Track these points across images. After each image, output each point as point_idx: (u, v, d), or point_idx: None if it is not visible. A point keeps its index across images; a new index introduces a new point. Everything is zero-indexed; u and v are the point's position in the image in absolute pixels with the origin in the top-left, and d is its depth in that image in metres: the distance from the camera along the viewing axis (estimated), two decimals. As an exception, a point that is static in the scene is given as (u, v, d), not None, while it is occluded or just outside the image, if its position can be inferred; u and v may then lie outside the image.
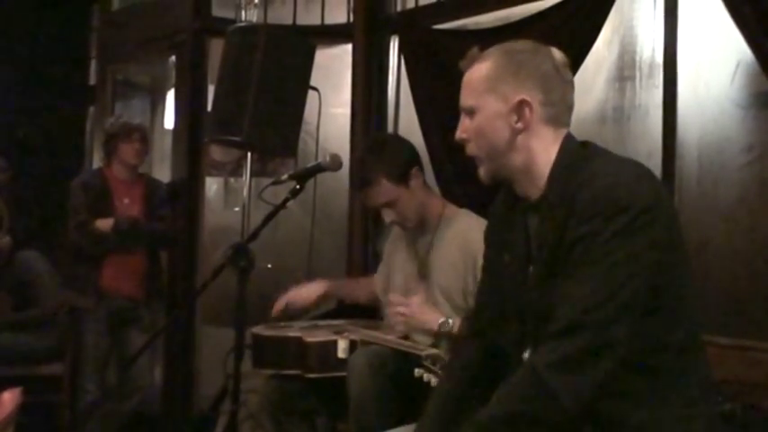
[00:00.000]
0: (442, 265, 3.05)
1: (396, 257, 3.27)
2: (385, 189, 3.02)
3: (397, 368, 2.77)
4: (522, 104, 1.88)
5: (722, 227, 3.31)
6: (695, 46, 3.34)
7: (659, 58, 3.42)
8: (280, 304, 3.33)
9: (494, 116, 1.90)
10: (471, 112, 1.94)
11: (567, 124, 1.95)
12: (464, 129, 1.97)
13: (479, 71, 1.93)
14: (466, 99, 1.96)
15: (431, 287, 3.08)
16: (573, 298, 1.74)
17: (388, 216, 3.10)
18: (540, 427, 1.76)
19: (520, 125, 1.89)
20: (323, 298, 3.42)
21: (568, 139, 1.92)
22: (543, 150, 1.90)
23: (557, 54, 1.94)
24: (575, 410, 1.73)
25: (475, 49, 1.97)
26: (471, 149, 1.97)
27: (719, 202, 3.32)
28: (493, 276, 2.11)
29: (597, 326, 1.71)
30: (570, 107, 1.95)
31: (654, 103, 3.47)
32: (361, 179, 3.08)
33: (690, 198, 3.37)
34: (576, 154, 1.89)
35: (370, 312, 3.52)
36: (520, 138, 1.90)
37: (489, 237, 2.15)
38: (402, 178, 3.03)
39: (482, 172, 1.97)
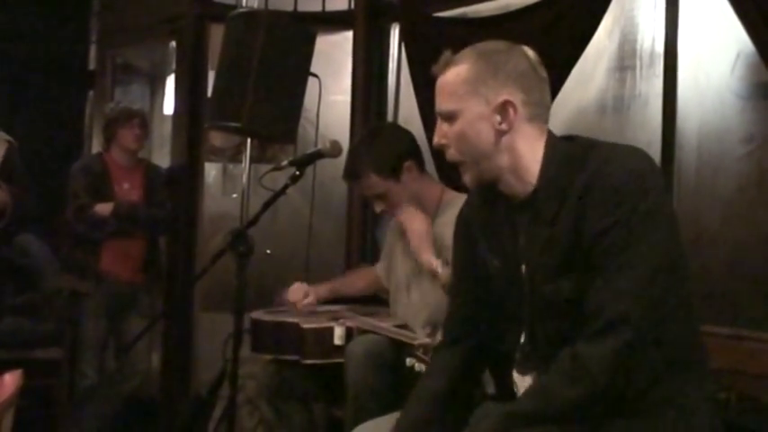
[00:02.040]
0: (442, 252, 3.05)
1: (397, 244, 3.28)
2: (373, 182, 3.03)
3: (394, 357, 2.78)
4: (505, 105, 1.87)
5: (720, 217, 3.32)
6: (696, 36, 3.34)
7: (660, 48, 3.43)
8: (281, 300, 3.34)
9: (476, 119, 1.88)
10: (451, 117, 1.92)
11: (547, 121, 1.94)
12: (442, 134, 1.94)
13: (457, 74, 1.90)
14: (444, 104, 1.93)
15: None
16: (611, 292, 1.74)
17: (377, 206, 3.12)
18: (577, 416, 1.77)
19: (504, 126, 1.88)
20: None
21: (552, 135, 1.93)
22: (529, 148, 1.89)
23: (530, 53, 1.92)
24: (613, 399, 1.75)
25: (447, 53, 1.95)
26: (452, 155, 1.95)
27: (718, 192, 3.33)
28: (466, 276, 2.11)
29: (639, 319, 1.72)
30: (548, 105, 1.95)
31: (654, 92, 3.48)
32: (349, 171, 3.10)
33: (688, 188, 3.37)
34: (569, 147, 1.89)
35: (368, 298, 3.53)
36: (504, 138, 1.88)
37: (460, 236, 2.13)
38: (391, 173, 3.02)
39: (467, 178, 1.96)
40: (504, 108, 1.87)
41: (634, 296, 1.72)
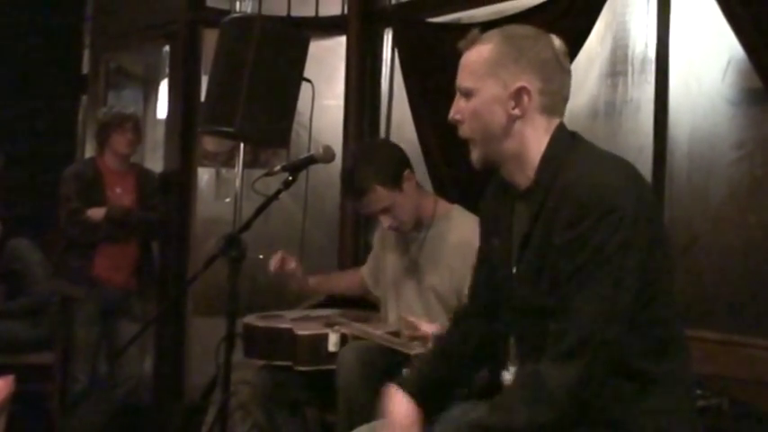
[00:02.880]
0: (434, 265, 3.05)
1: (386, 253, 3.27)
2: (380, 196, 2.99)
3: (386, 364, 2.77)
4: (521, 91, 1.87)
5: (712, 223, 3.32)
6: (687, 42, 3.35)
7: (651, 54, 3.44)
8: (277, 259, 3.31)
9: (491, 100, 1.89)
10: (468, 94, 1.93)
11: (562, 114, 1.94)
12: (458, 109, 1.95)
13: (480, 53, 1.91)
14: (464, 80, 1.94)
15: (422, 287, 3.09)
16: (573, 317, 1.74)
17: (385, 222, 3.06)
18: None
19: (517, 112, 1.88)
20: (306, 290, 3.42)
21: (560, 129, 1.92)
22: (535, 139, 1.90)
23: (557, 42, 1.93)
24: (574, 418, 1.76)
25: (475, 31, 1.96)
26: (464, 131, 1.96)
27: (710, 198, 3.33)
28: (484, 263, 2.13)
29: (602, 343, 1.72)
30: (566, 98, 1.95)
31: (645, 98, 3.49)
32: (354, 190, 3.02)
33: (680, 194, 3.38)
34: (565, 147, 1.89)
35: (360, 302, 3.53)
36: (515, 124, 1.89)
37: (480, 227, 2.16)
38: (395, 183, 3.00)
39: (474, 155, 1.96)
40: (519, 94, 1.87)
41: (595, 319, 1.72)
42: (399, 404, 2.06)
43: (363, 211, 3.12)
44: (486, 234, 2.12)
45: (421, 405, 2.07)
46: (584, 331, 1.72)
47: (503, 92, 1.88)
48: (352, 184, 3.03)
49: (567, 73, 1.94)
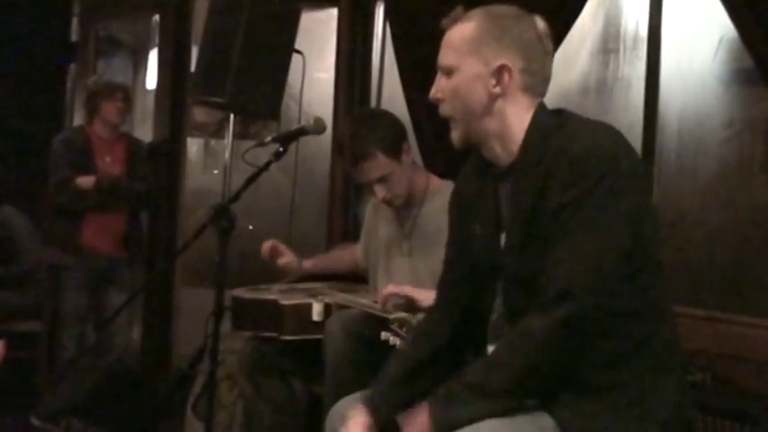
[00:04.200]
0: (426, 241, 3.05)
1: (378, 227, 3.27)
2: (380, 163, 2.98)
3: (372, 332, 2.78)
4: (502, 69, 1.88)
5: (700, 200, 3.34)
6: (679, 20, 3.35)
7: (643, 32, 3.43)
8: (266, 246, 3.32)
9: (472, 78, 1.90)
10: (449, 72, 1.93)
11: (543, 95, 1.95)
12: (440, 88, 1.96)
13: (462, 31, 1.92)
14: (445, 58, 1.94)
15: (414, 263, 3.09)
16: (561, 266, 1.76)
17: (380, 192, 3.04)
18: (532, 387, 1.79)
19: (498, 90, 1.89)
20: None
21: (542, 106, 1.93)
22: (517, 117, 1.90)
23: (540, 23, 1.93)
24: (558, 373, 1.77)
25: (459, 9, 1.96)
26: (445, 110, 1.96)
27: (698, 176, 3.35)
28: (460, 246, 2.11)
29: (584, 293, 1.73)
30: (547, 78, 1.96)
31: (636, 75, 3.49)
32: (356, 153, 2.99)
33: (669, 171, 3.40)
34: (551, 121, 1.90)
35: (348, 275, 3.54)
36: (497, 103, 1.90)
37: (455, 206, 2.15)
38: (395, 152, 3.00)
39: (455, 135, 1.97)
40: (500, 72, 1.88)
41: (579, 271, 1.73)
42: (354, 421, 2.01)
43: (360, 179, 3.08)
44: (461, 219, 2.10)
45: (394, 406, 2.01)
46: (566, 281, 1.74)
47: (484, 69, 1.89)
48: (353, 149, 2.99)
49: (549, 54, 1.94)
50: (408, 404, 1.97)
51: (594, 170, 1.75)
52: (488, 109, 1.91)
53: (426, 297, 2.87)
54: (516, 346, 1.79)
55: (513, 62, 1.88)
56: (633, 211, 1.77)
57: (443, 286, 2.20)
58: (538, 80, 1.93)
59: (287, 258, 3.32)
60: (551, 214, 1.78)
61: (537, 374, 1.78)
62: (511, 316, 1.92)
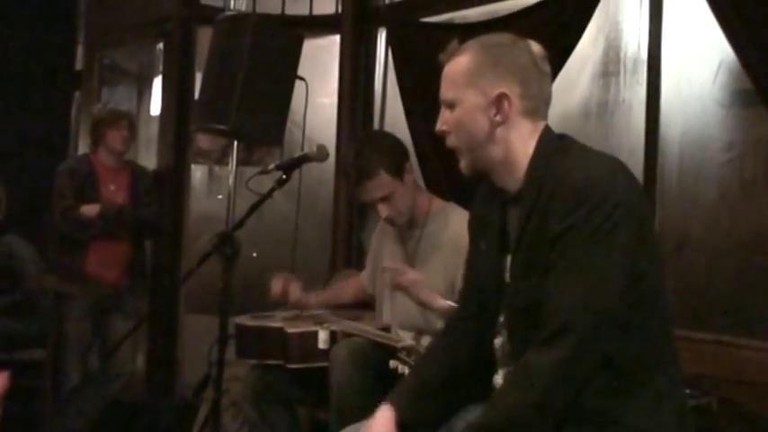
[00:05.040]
0: (430, 262, 3.06)
1: (383, 252, 3.28)
2: (384, 182, 3.01)
3: (378, 360, 2.78)
4: (501, 98, 1.90)
5: (702, 223, 3.34)
6: (679, 44, 3.37)
7: (644, 55, 3.46)
8: (278, 286, 3.33)
9: (473, 109, 1.92)
10: (451, 105, 1.96)
11: (545, 117, 1.96)
12: (444, 121, 1.99)
13: (458, 65, 1.95)
14: (446, 92, 1.98)
15: None
16: (558, 299, 1.76)
17: (383, 211, 3.07)
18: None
19: (499, 118, 1.91)
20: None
21: (546, 131, 1.94)
22: (522, 143, 1.92)
23: (534, 47, 1.95)
24: (561, 409, 1.77)
25: (454, 43, 1.99)
26: (451, 141, 1.99)
27: (700, 199, 3.36)
28: (473, 266, 2.14)
29: (584, 329, 1.74)
30: (548, 100, 1.97)
31: (637, 99, 3.51)
32: (360, 171, 3.02)
33: (671, 194, 3.40)
34: (554, 146, 1.91)
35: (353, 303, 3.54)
36: (499, 130, 1.92)
37: (470, 229, 2.18)
38: (399, 171, 3.03)
39: (463, 164, 2.00)
40: (499, 101, 1.90)
41: (580, 305, 1.74)
42: (380, 414, 2.06)
43: (364, 197, 3.10)
44: (473, 238, 2.14)
45: (413, 412, 2.06)
46: (567, 317, 1.74)
47: (483, 100, 1.91)
48: (358, 168, 3.03)
49: (547, 75, 1.96)
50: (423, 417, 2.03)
51: (590, 200, 1.76)
52: (492, 137, 1.93)
53: (429, 296, 2.90)
54: (515, 383, 1.81)
55: (511, 89, 1.90)
56: (629, 244, 1.77)
57: (459, 304, 2.23)
58: (538, 103, 1.94)
59: (296, 296, 3.33)
60: (550, 242, 1.80)
61: (541, 412, 1.77)
62: (513, 343, 1.93)
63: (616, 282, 1.76)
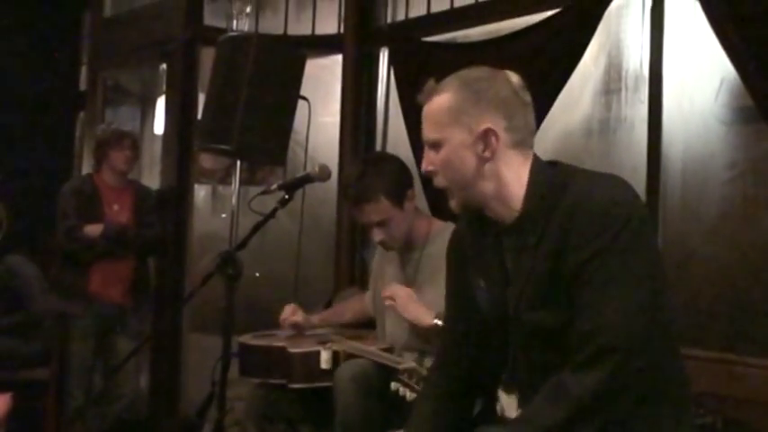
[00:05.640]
0: (430, 283, 3.04)
1: (384, 274, 3.27)
2: (382, 207, 3.00)
3: (381, 381, 2.78)
4: (487, 133, 1.87)
5: (705, 241, 3.34)
6: (680, 62, 3.38)
7: (645, 73, 3.46)
8: (289, 320, 3.33)
9: (460, 147, 1.89)
10: (436, 145, 1.93)
11: (532, 146, 1.95)
12: (430, 161, 1.95)
13: (440, 103, 1.91)
14: (429, 132, 1.94)
15: None
16: (595, 321, 1.75)
17: (377, 235, 3.07)
18: None
19: (487, 153, 1.89)
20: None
21: (537, 160, 1.93)
22: (514, 174, 1.90)
23: (513, 77, 1.93)
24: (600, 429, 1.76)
25: (431, 82, 1.96)
26: (440, 181, 1.96)
27: (703, 217, 3.35)
28: (462, 300, 2.11)
29: (625, 347, 1.73)
30: (532, 130, 1.95)
31: (639, 117, 3.51)
32: (359, 193, 3.02)
33: (673, 212, 3.40)
34: (551, 174, 1.90)
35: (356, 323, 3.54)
36: (488, 166, 1.89)
37: (453, 253, 2.15)
38: (399, 199, 3.02)
39: (453, 203, 1.97)
40: (486, 136, 1.88)
41: (622, 326, 1.73)
42: None
43: (360, 218, 3.11)
44: (461, 271, 2.10)
45: None
46: (609, 339, 1.73)
47: (469, 137, 1.88)
48: (358, 189, 3.02)
49: (529, 105, 1.94)
50: None
51: (614, 223, 1.75)
52: (481, 173, 1.90)
53: (420, 314, 2.88)
54: (552, 399, 1.78)
55: (496, 123, 1.88)
56: (653, 262, 1.80)
57: (442, 344, 2.20)
58: (524, 134, 1.92)
59: (298, 319, 3.33)
60: (574, 269, 1.78)
61: (572, 427, 1.76)
62: (533, 370, 1.91)
63: (647, 299, 1.76)
